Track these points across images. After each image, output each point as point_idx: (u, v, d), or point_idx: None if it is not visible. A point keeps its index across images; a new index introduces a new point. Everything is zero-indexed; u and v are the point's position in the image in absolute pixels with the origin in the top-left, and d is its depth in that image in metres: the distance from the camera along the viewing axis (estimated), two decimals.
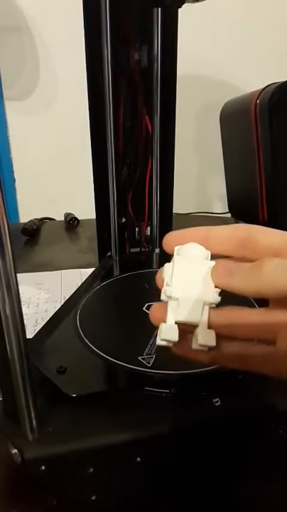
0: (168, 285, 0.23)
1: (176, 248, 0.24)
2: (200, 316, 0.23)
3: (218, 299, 0.23)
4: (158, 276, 0.24)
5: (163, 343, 0.23)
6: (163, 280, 0.23)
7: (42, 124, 1.01)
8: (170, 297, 0.23)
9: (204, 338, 0.23)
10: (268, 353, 0.22)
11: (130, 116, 0.55)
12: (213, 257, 0.23)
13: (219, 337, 0.23)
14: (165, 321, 0.23)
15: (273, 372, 0.23)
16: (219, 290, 0.23)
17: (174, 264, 0.23)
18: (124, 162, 0.57)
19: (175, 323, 0.23)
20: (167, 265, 0.24)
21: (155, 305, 0.24)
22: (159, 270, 0.24)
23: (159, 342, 0.23)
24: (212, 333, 0.23)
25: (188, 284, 0.23)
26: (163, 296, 0.23)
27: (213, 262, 0.23)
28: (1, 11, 0.91)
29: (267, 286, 0.21)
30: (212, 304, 0.23)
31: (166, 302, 0.23)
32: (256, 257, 0.22)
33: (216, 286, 0.23)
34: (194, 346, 0.23)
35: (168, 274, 0.23)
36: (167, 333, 0.23)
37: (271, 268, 0.21)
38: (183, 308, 0.23)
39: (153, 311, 0.24)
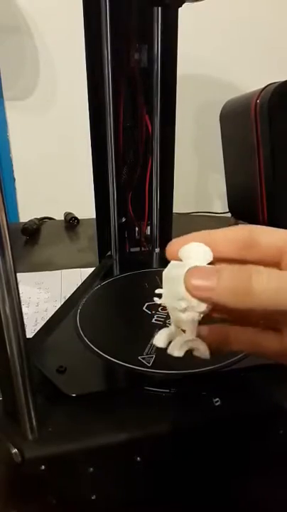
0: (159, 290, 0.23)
1: (180, 250, 0.23)
2: (188, 325, 0.22)
3: (203, 307, 0.21)
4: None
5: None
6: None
7: (42, 124, 1.01)
8: (160, 305, 0.23)
9: (171, 348, 0.23)
10: (278, 343, 0.22)
11: (130, 116, 0.55)
12: (215, 261, 0.22)
13: (229, 323, 0.23)
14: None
15: (285, 362, 0.23)
16: None
17: (166, 270, 0.23)
18: (124, 161, 0.57)
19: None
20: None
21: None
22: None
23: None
24: (179, 344, 0.22)
25: (173, 292, 0.22)
26: (156, 300, 0.23)
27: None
28: (1, 11, 0.91)
29: (259, 305, 0.20)
30: (200, 311, 0.22)
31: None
32: (259, 257, 0.22)
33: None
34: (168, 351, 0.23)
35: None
36: (156, 340, 0.23)
37: (262, 286, 0.19)
38: (172, 315, 0.23)
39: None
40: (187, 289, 0.21)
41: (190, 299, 0.21)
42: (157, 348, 0.24)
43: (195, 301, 0.21)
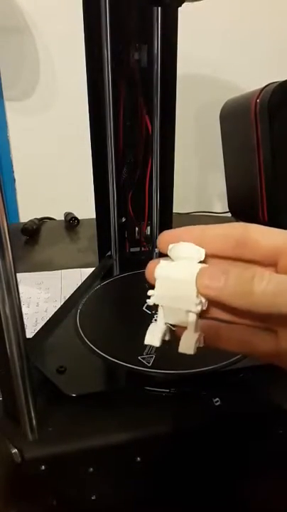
0: (151, 291, 0.22)
1: (169, 247, 0.23)
2: (186, 322, 0.22)
3: (199, 308, 0.21)
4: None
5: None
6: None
7: (42, 124, 1.01)
8: (153, 304, 0.22)
9: (183, 346, 0.22)
10: (271, 343, 0.22)
11: (130, 115, 0.55)
12: (209, 257, 0.22)
13: (220, 320, 0.23)
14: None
15: (278, 364, 0.23)
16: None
17: (158, 270, 0.22)
18: (124, 161, 0.57)
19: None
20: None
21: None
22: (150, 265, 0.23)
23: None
24: (192, 342, 0.22)
25: (174, 294, 0.22)
26: (149, 301, 0.23)
27: (202, 266, 0.22)
28: (1, 12, 0.91)
29: (258, 306, 0.20)
30: (196, 311, 0.22)
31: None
32: (254, 257, 0.21)
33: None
34: (179, 350, 0.23)
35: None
36: (148, 339, 0.23)
37: (262, 287, 0.20)
38: (168, 314, 0.23)
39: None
40: (199, 288, 0.21)
41: (198, 298, 0.21)
42: (157, 348, 0.23)
43: (203, 299, 0.22)
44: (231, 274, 0.21)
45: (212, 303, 0.22)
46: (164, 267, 0.22)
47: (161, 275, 0.22)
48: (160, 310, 0.23)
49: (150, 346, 0.37)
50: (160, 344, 0.23)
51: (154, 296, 0.22)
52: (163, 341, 0.23)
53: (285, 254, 0.21)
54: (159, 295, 0.22)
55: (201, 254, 0.22)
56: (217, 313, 0.23)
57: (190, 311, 0.22)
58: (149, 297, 0.23)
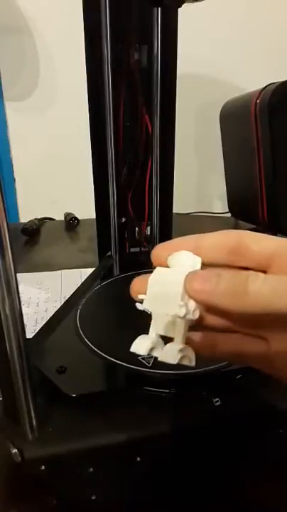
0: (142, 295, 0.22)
1: (169, 258, 0.23)
2: (173, 332, 0.22)
3: (183, 310, 0.21)
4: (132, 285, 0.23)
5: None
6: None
7: (42, 124, 1.01)
8: (144, 310, 0.22)
9: (165, 354, 0.22)
10: (263, 351, 0.22)
11: (130, 116, 0.55)
12: (205, 266, 0.22)
13: (214, 331, 0.23)
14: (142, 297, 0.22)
15: (269, 371, 0.23)
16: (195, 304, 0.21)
17: (152, 276, 0.22)
18: (124, 162, 0.57)
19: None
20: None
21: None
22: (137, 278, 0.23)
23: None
24: (175, 351, 0.22)
25: (162, 298, 0.21)
26: (138, 306, 0.22)
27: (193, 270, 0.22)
28: (1, 12, 0.91)
29: (253, 308, 0.20)
30: (186, 318, 0.21)
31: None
32: (248, 264, 0.22)
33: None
34: (159, 358, 0.22)
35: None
36: (135, 347, 0.22)
37: (256, 288, 0.20)
38: (158, 322, 0.22)
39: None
40: (188, 293, 0.21)
41: (188, 303, 0.21)
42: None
43: (191, 307, 0.21)
44: (223, 276, 0.21)
45: (207, 310, 0.22)
46: (157, 273, 0.22)
47: (153, 279, 0.22)
48: (152, 320, 0.23)
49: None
50: (146, 353, 0.22)
51: (145, 300, 0.22)
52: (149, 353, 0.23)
53: (276, 259, 0.21)
54: (149, 299, 0.22)
55: (197, 262, 0.22)
56: (210, 320, 0.23)
57: (176, 316, 0.21)
58: (140, 302, 0.22)
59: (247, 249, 0.22)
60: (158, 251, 0.23)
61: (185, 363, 0.22)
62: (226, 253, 0.22)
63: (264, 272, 0.21)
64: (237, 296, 0.20)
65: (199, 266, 0.22)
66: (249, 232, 0.22)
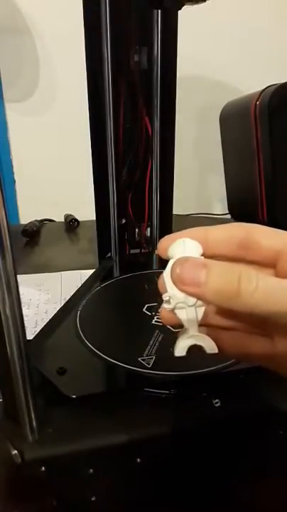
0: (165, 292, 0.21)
1: (168, 250, 0.22)
2: (186, 320, 0.21)
3: (192, 300, 0.20)
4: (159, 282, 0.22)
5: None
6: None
7: (42, 126, 1.01)
8: (167, 301, 0.21)
9: (175, 349, 0.21)
10: (269, 350, 0.22)
11: (130, 117, 0.55)
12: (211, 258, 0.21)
13: (219, 328, 0.22)
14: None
15: (273, 368, 0.23)
16: None
17: (167, 268, 0.21)
18: (124, 163, 0.57)
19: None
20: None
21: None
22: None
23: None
24: (181, 344, 0.21)
25: (173, 287, 0.20)
26: (165, 306, 0.21)
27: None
28: (1, 12, 0.91)
29: (245, 308, 0.19)
30: (189, 305, 0.20)
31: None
32: (255, 258, 0.21)
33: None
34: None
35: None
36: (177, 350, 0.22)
37: (250, 291, 0.19)
38: (179, 313, 0.21)
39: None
40: (174, 282, 0.20)
41: (176, 292, 0.20)
42: (157, 349, 0.23)
43: (181, 295, 0.20)
44: (213, 270, 0.19)
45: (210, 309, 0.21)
46: (169, 265, 0.21)
47: (166, 272, 0.21)
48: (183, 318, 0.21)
49: (150, 347, 0.37)
50: (184, 353, 0.21)
51: (165, 295, 0.21)
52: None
53: (284, 255, 0.21)
54: (169, 294, 0.21)
55: (198, 249, 0.21)
56: (214, 319, 0.22)
57: (187, 306, 0.20)
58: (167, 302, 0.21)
59: (256, 244, 0.21)
60: (166, 243, 0.22)
61: (206, 350, 0.21)
62: (234, 247, 0.21)
63: (271, 267, 0.21)
64: (228, 296, 0.19)
65: (197, 252, 0.21)
66: (259, 225, 0.21)
